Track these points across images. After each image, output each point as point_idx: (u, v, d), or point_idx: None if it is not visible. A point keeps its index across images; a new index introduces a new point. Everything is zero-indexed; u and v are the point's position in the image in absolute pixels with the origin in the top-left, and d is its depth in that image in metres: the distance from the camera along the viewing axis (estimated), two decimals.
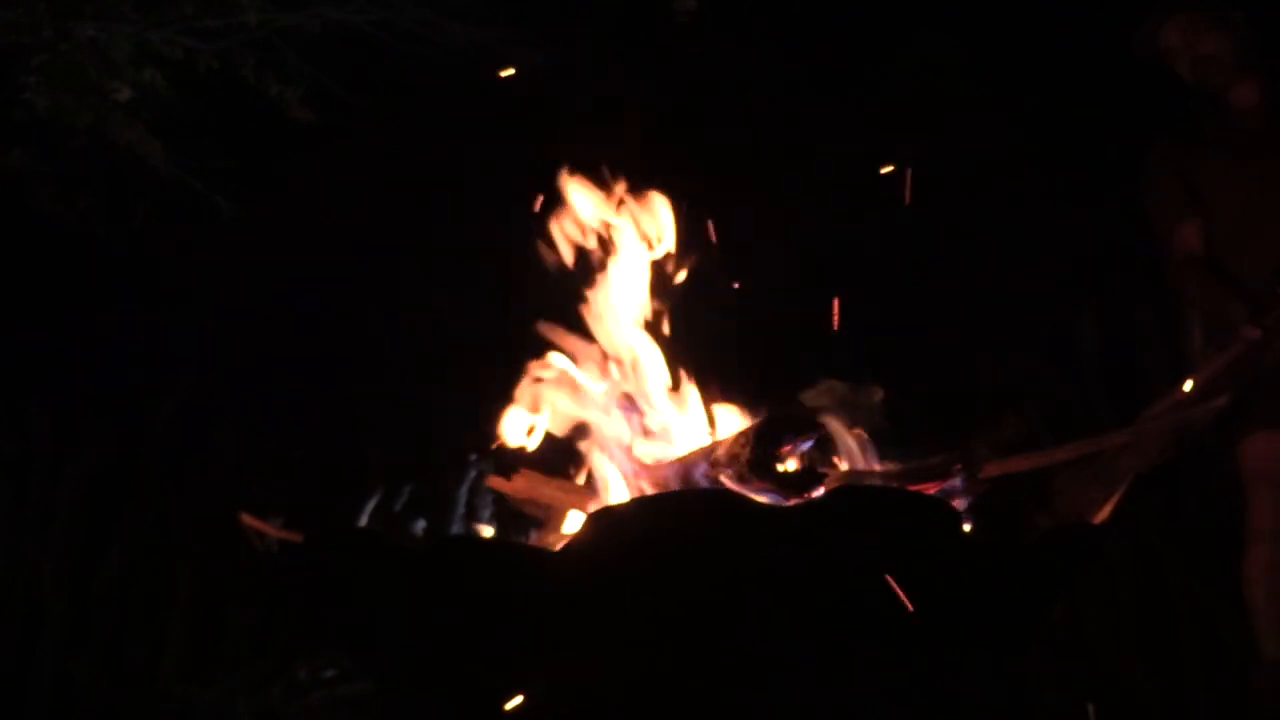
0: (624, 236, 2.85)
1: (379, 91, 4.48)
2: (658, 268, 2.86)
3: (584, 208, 2.84)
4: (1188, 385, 2.73)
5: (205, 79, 4.10)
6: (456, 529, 2.83)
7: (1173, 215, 3.25)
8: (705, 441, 2.67)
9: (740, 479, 2.48)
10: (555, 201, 2.84)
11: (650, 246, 2.85)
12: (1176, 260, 3.25)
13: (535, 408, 2.76)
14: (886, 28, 4.82)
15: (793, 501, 2.46)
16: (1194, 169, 3.24)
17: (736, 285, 3.26)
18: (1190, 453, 3.36)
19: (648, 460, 2.65)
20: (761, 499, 2.40)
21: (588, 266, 2.85)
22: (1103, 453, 2.51)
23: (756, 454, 2.49)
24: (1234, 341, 2.91)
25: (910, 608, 2.11)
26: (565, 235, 2.85)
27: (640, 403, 2.74)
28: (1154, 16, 3.26)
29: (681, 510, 2.21)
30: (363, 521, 2.69)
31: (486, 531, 2.89)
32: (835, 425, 2.57)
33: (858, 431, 2.59)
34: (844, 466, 2.58)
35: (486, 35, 4.21)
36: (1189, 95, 3.29)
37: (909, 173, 3.48)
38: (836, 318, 3.22)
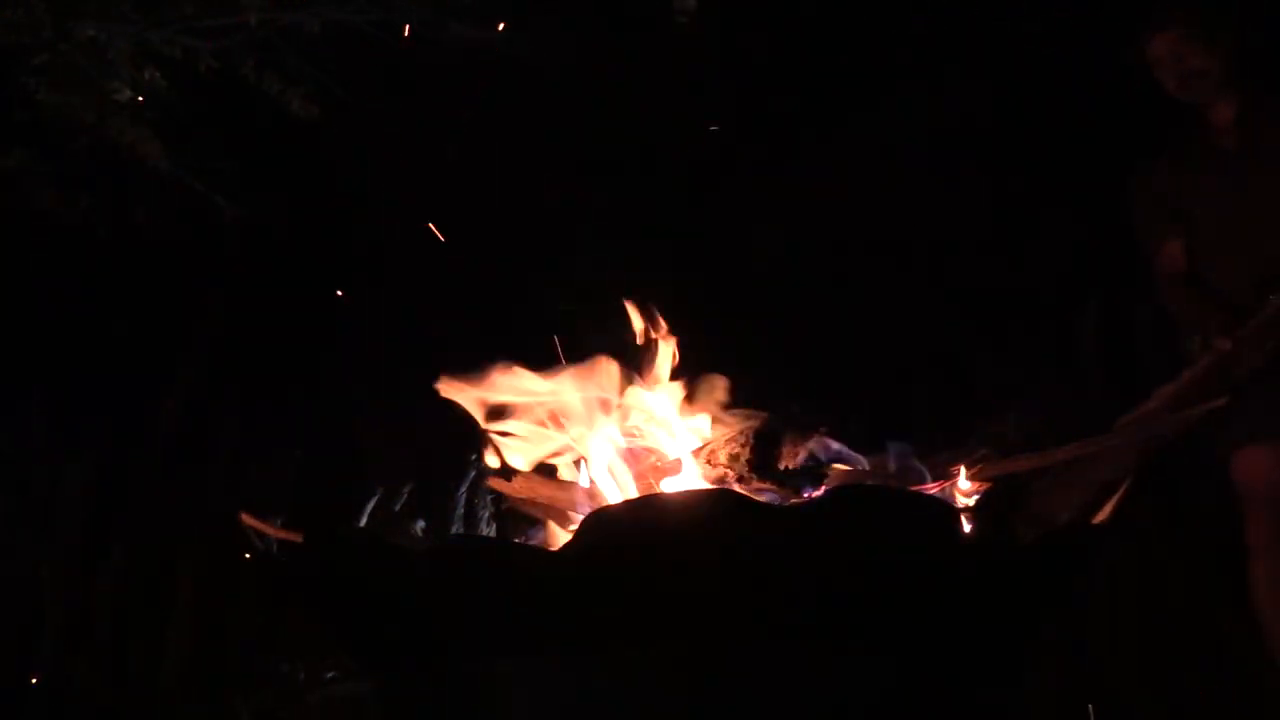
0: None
1: (379, 91, 4.48)
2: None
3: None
4: (1159, 394, 2.76)
5: (205, 79, 4.09)
6: (456, 529, 2.83)
7: (1157, 235, 3.33)
8: (705, 441, 2.67)
9: (740, 479, 2.49)
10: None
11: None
12: (1160, 275, 3.30)
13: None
14: (885, 28, 4.82)
15: (793, 501, 2.46)
16: (1177, 186, 3.30)
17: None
18: (1188, 457, 3.38)
19: (647, 460, 2.65)
20: (761, 499, 2.40)
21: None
22: (1079, 457, 2.53)
23: (756, 454, 2.50)
24: (1209, 352, 2.94)
25: None
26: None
27: (640, 403, 2.74)
28: (1143, 30, 3.29)
29: (681, 510, 2.21)
30: (363, 521, 2.69)
31: (486, 531, 2.89)
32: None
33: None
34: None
35: (487, 34, 4.20)
36: (1174, 109, 3.32)
37: None
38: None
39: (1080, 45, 4.44)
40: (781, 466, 2.55)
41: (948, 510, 2.35)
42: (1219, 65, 3.22)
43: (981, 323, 4.58)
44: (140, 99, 4.05)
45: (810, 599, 2.17)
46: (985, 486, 2.55)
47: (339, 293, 4.94)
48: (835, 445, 2.62)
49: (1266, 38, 3.37)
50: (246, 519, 2.53)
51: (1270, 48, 3.36)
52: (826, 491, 2.46)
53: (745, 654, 2.17)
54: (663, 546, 2.14)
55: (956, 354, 4.46)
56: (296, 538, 2.46)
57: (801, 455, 2.58)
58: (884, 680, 2.22)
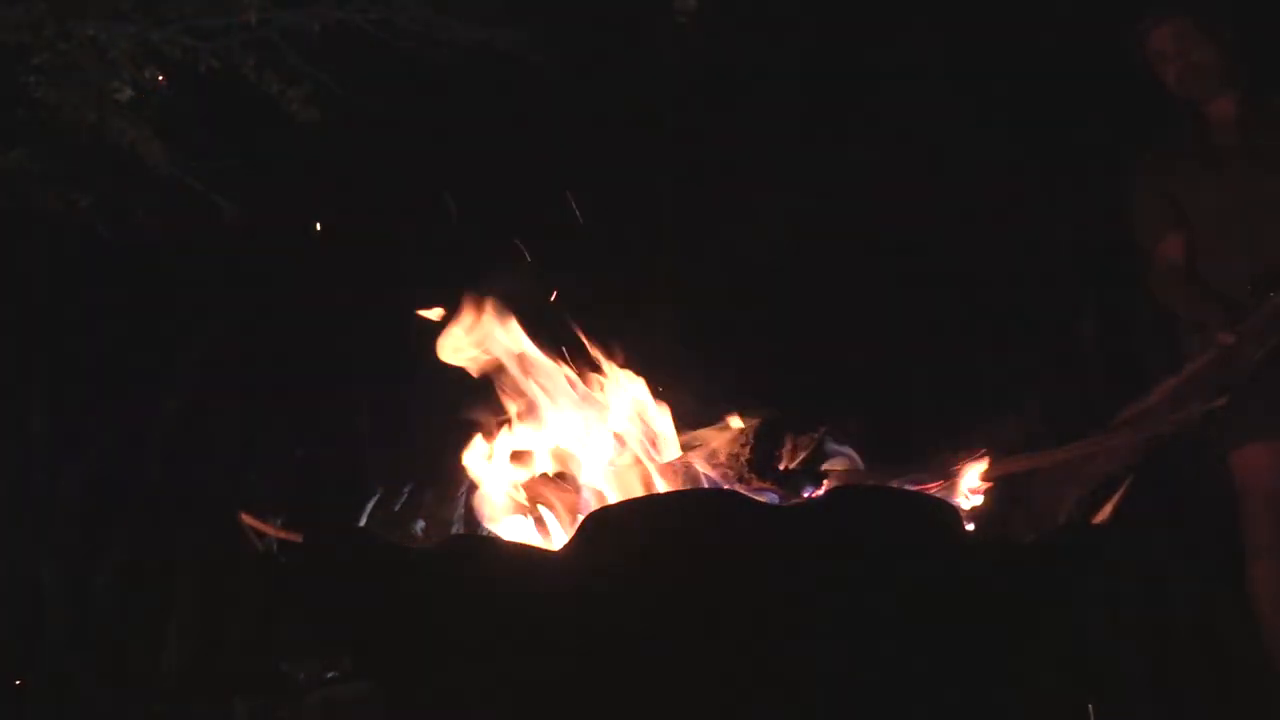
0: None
1: (379, 91, 4.48)
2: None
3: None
4: (1159, 389, 2.75)
5: (205, 78, 4.09)
6: (456, 529, 2.83)
7: (1155, 230, 3.30)
8: (705, 441, 2.67)
9: (740, 479, 2.49)
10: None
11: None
12: (1159, 271, 3.28)
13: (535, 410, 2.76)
14: (879, 29, 4.82)
15: (793, 501, 2.46)
16: (1174, 182, 3.28)
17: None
18: (1188, 456, 3.37)
19: (648, 460, 2.65)
20: (761, 499, 2.40)
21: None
22: (1079, 456, 2.53)
23: (756, 454, 2.50)
24: (1209, 348, 2.93)
25: None
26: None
27: (640, 402, 2.74)
28: (1146, 20, 3.28)
29: (681, 510, 2.21)
30: (363, 521, 2.69)
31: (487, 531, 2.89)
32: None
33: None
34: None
35: (487, 34, 4.20)
36: (1172, 104, 3.31)
37: None
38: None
39: (1081, 43, 4.43)
40: (781, 466, 2.55)
41: (948, 510, 2.35)
42: (1220, 60, 3.21)
43: (981, 323, 4.58)
44: (140, 98, 4.05)
45: (810, 599, 2.17)
46: (985, 486, 2.55)
47: (316, 225, 4.90)
48: (837, 445, 2.62)
49: (1266, 37, 3.36)
50: (246, 519, 2.53)
51: (1270, 47, 3.35)
52: (826, 491, 2.46)
53: (744, 653, 2.17)
54: (663, 546, 2.14)
55: (956, 354, 4.46)
56: (296, 538, 2.46)
57: (801, 455, 2.58)
58: (884, 679, 2.22)
